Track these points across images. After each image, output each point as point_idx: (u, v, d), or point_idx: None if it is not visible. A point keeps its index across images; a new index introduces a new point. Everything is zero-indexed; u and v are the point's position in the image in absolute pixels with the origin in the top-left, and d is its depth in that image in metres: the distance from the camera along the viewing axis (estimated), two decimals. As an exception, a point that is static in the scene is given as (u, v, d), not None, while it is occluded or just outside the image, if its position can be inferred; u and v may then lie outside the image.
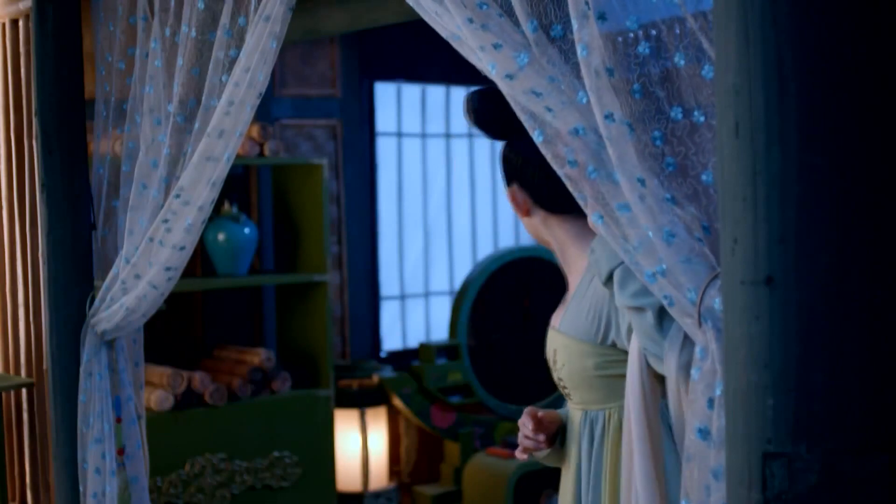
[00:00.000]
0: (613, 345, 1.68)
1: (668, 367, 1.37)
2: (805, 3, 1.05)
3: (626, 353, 1.66)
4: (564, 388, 1.77)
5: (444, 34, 1.53)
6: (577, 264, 1.78)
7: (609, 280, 1.55)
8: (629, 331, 1.59)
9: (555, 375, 1.79)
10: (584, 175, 1.35)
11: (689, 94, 1.30)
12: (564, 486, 1.81)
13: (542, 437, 1.78)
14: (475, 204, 5.28)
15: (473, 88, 1.81)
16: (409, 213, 5.03)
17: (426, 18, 1.57)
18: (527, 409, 1.83)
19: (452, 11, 1.46)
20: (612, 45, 1.33)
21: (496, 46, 1.42)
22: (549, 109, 1.37)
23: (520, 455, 1.84)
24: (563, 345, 1.74)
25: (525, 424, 1.80)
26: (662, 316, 1.40)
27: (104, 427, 2.57)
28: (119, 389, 2.63)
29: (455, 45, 1.51)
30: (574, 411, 1.78)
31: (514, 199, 1.82)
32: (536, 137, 1.40)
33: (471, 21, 1.44)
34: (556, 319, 1.81)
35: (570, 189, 1.39)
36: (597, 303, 1.69)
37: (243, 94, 2.16)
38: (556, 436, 1.82)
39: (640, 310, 1.45)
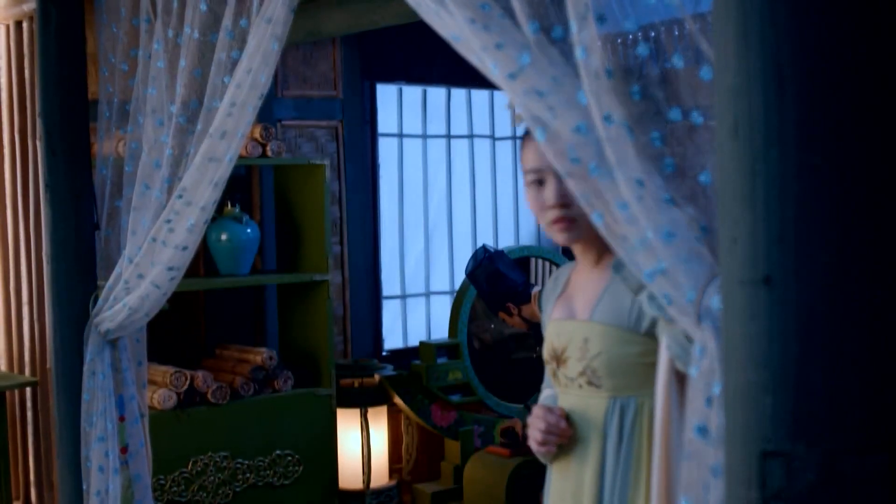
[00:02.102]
0: (650, 334, 1.69)
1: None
2: (804, 3, 1.05)
3: None
4: (594, 375, 1.75)
5: (444, 35, 1.53)
6: (611, 258, 1.78)
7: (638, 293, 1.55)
8: None
9: (576, 365, 1.77)
10: (586, 173, 1.36)
11: (687, 96, 1.30)
12: (571, 484, 1.78)
13: (565, 426, 1.77)
14: (476, 204, 5.29)
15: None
16: (410, 213, 5.04)
17: (426, 19, 1.57)
18: (540, 406, 1.82)
19: (454, 12, 1.47)
20: (612, 47, 1.34)
21: (498, 46, 1.43)
22: (551, 109, 1.38)
23: (542, 448, 1.80)
24: (601, 333, 1.74)
25: (547, 419, 1.77)
26: None
27: (107, 425, 2.58)
28: (122, 388, 2.64)
29: (456, 46, 1.51)
30: (595, 401, 1.75)
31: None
32: (539, 136, 1.41)
33: (473, 21, 1.45)
34: (579, 311, 1.80)
35: (572, 186, 1.39)
36: None
37: (245, 95, 2.16)
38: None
39: (670, 322, 1.45)
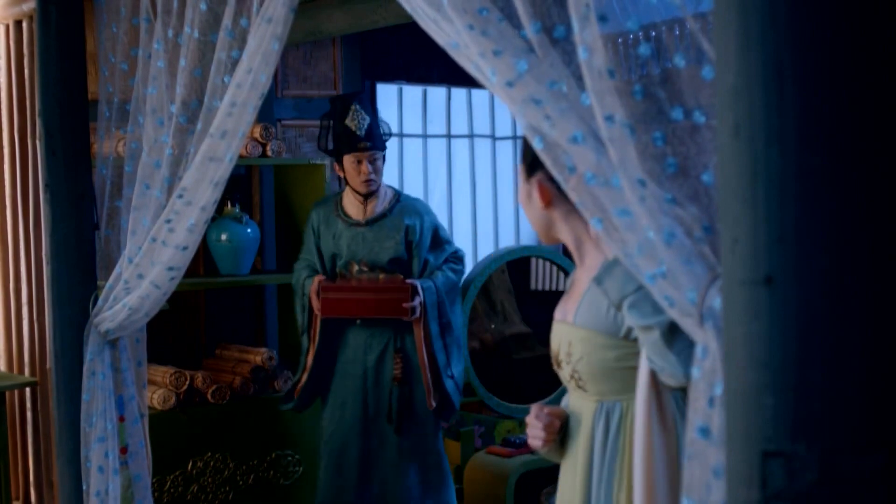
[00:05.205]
0: (629, 337, 1.71)
1: (678, 380, 1.47)
2: (804, 3, 1.05)
3: None
4: (580, 379, 1.78)
5: (442, 43, 1.53)
6: (593, 259, 1.80)
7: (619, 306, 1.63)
8: None
9: (566, 368, 1.80)
10: (582, 181, 1.37)
11: (689, 95, 1.31)
12: (569, 481, 1.81)
13: (552, 420, 1.82)
14: (476, 204, 5.29)
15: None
16: (410, 212, 5.03)
17: (424, 26, 1.58)
18: (536, 405, 1.86)
19: (453, 18, 1.47)
20: (613, 47, 1.34)
21: (496, 53, 1.43)
22: (548, 118, 1.38)
23: (536, 445, 1.86)
24: (582, 338, 1.75)
25: (539, 417, 1.82)
26: (673, 333, 1.47)
27: (107, 426, 2.58)
28: (122, 388, 2.64)
29: (453, 53, 1.52)
30: (586, 403, 1.79)
31: (540, 191, 1.80)
32: (536, 145, 1.41)
33: (471, 28, 1.45)
34: (568, 313, 1.82)
35: (570, 195, 1.40)
36: None
37: (245, 95, 2.16)
38: (561, 430, 1.84)
39: (648, 328, 1.53)
